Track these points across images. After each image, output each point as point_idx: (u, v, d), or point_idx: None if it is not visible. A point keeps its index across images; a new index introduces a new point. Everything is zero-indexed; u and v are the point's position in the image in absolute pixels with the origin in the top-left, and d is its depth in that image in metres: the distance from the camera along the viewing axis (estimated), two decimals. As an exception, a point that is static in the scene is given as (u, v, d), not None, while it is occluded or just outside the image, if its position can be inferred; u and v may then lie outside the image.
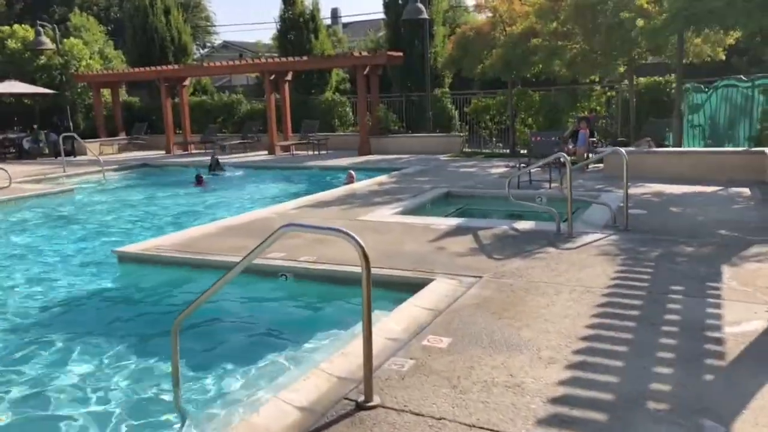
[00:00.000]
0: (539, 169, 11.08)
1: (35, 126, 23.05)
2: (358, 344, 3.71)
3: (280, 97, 20.39)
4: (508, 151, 17.27)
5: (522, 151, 16.38)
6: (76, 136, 19.15)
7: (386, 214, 8.92)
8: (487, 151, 17.91)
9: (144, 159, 19.58)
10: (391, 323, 4.62)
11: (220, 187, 14.35)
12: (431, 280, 5.57)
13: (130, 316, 6.17)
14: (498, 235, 7.32)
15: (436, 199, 10.54)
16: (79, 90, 24.52)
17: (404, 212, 9.18)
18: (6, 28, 24.46)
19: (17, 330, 5.83)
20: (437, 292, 5.28)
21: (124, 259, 7.35)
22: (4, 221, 11.08)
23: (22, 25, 24.64)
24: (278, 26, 23.68)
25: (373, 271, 5.79)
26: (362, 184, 12.15)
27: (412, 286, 5.53)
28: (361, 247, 3.36)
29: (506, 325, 4.51)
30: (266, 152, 19.88)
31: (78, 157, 20.00)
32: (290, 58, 20.48)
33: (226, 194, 13.46)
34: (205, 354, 4.99)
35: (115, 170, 17.34)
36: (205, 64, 23.79)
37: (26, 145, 21.48)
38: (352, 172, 13.39)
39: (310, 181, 14.79)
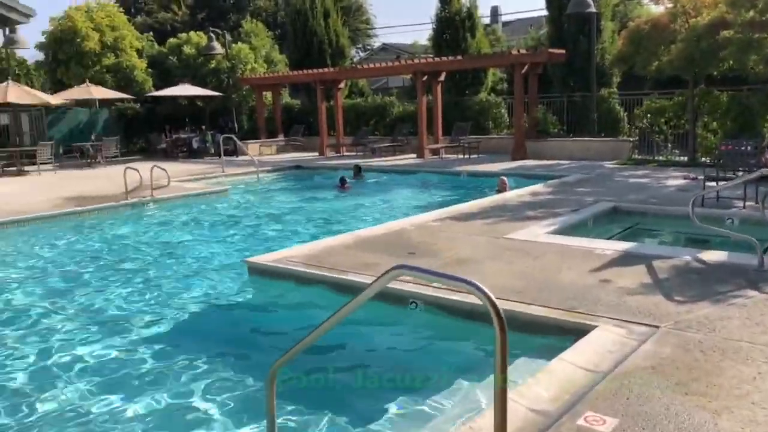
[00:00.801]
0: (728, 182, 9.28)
1: (203, 126, 24.52)
2: (490, 415, 2.82)
3: (432, 99, 19.75)
4: (686, 159, 15.16)
5: (704, 160, 14.25)
6: (233, 137, 19.90)
7: (539, 232, 7.82)
8: (661, 158, 15.89)
9: (298, 160, 19.90)
10: (538, 387, 3.65)
11: (364, 192, 14.00)
12: (592, 327, 4.48)
13: (247, 335, 5.76)
14: (679, 268, 5.97)
15: (600, 215, 9.18)
16: (244, 92, 25.71)
17: (561, 230, 8.01)
18: (183, 35, 26.29)
19: (132, 329, 5.66)
20: (599, 344, 4.20)
21: (254, 270, 7.01)
22: (157, 219, 11.49)
23: (197, 33, 26.32)
24: (434, 26, 23.08)
25: (519, 308, 4.81)
26: (514, 194, 11.07)
27: (566, 332, 4.51)
28: (493, 304, 2.47)
29: (696, 405, 3.35)
30: (415, 155, 19.33)
31: (239, 157, 20.82)
32: (443, 58, 19.75)
33: (368, 200, 13.04)
34: (302, 399, 4.27)
35: (269, 171, 17.71)
36: (358, 67, 23.82)
37: (195, 144, 22.85)
38: (505, 179, 12.34)
39: (457, 187, 13.94)
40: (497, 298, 2.46)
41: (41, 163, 18.55)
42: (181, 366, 4.92)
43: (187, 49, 25.31)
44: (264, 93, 24.73)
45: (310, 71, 22.44)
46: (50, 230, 10.39)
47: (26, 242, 9.71)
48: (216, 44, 24.01)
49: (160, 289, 7.17)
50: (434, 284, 5.61)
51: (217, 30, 25.64)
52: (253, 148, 22.36)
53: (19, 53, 25.24)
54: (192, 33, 26.25)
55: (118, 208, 11.95)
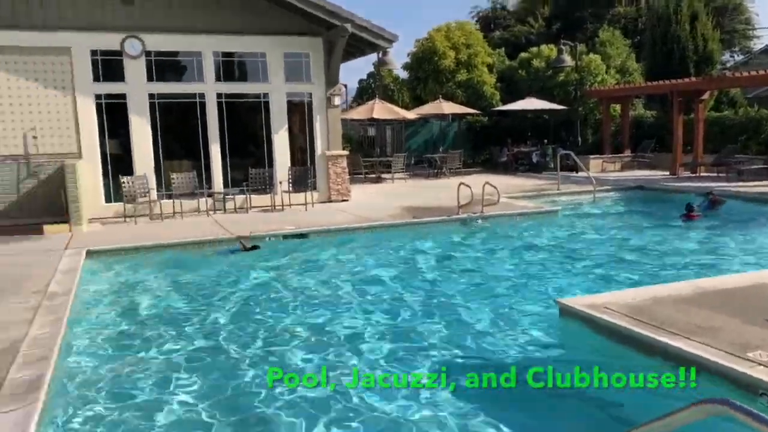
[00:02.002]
0: None
1: (545, 140, 24.14)
2: None
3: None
4: None
5: None
6: (571, 153, 19.01)
7: None
8: None
9: (642, 179, 18.09)
10: None
11: (718, 226, 11.75)
12: None
13: (555, 402, 5.02)
14: None
15: None
16: (590, 105, 24.56)
17: None
18: (534, 48, 26.31)
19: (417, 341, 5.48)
20: None
21: (566, 313, 6.31)
22: (479, 237, 11.44)
23: (548, 46, 26.05)
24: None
25: None
26: None
27: None
28: None
29: None
30: (797, 182, 15.80)
31: (578, 174, 19.89)
32: None
33: (723, 237, 10.79)
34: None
35: (608, 191, 16.43)
36: (728, 74, 20.56)
37: (535, 158, 22.62)
38: None
39: None
40: None
41: (395, 172, 20.51)
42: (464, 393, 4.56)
43: (536, 63, 25.24)
44: (611, 105, 23.22)
45: (665, 82, 20.21)
46: (387, 235, 11.26)
47: (367, 246, 10.63)
48: (566, 56, 23.38)
49: (454, 310, 7.04)
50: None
51: (569, 42, 24.98)
52: (595, 163, 21.17)
53: (395, 71, 28.37)
54: (543, 46, 26.09)
55: (449, 222, 12.34)
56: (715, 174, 18.37)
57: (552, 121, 25.32)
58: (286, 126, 14.69)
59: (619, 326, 5.50)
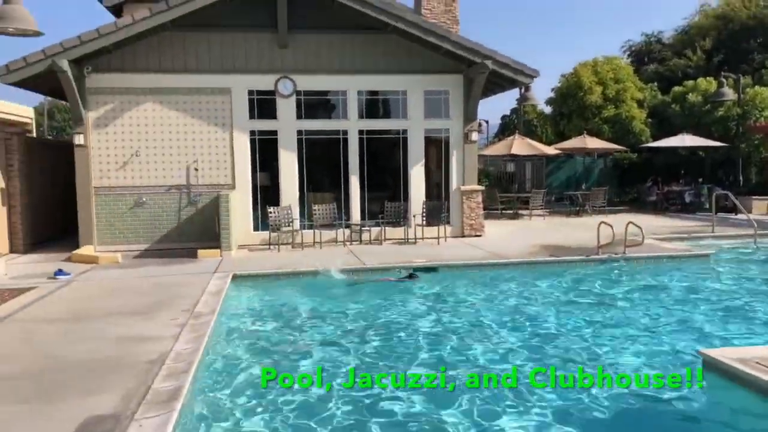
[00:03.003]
0: None
1: (700, 179, 22.41)
2: None
3: None
4: None
5: None
6: (729, 193, 17.44)
7: None
8: None
9: (817, 225, 16.16)
10: None
11: None
12: None
13: None
14: None
15: None
16: (755, 141, 22.48)
17: None
18: (690, 82, 24.67)
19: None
20: None
21: (710, 366, 5.77)
22: (619, 279, 10.81)
23: (706, 79, 24.34)
24: None
25: None
26: None
27: None
28: None
29: None
30: None
31: (737, 216, 18.21)
32: None
33: None
34: None
35: (772, 235, 14.86)
36: None
37: (688, 198, 21.06)
38: None
39: None
40: None
41: (533, 209, 20.04)
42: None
43: (692, 97, 23.63)
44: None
45: None
46: (521, 274, 11.02)
47: (497, 283, 10.45)
48: (727, 90, 21.66)
49: (580, 355, 6.68)
50: None
51: (731, 74, 23.18)
52: (758, 205, 19.31)
53: (539, 106, 27.95)
54: (700, 79, 24.41)
55: (588, 263, 11.80)
56: None
57: (708, 159, 23.50)
58: (423, 161, 14.96)
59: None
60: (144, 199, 13.62)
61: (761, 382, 5.06)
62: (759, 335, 7.35)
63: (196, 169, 13.80)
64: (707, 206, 20.50)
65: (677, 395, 5.72)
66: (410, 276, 10.76)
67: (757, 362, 5.45)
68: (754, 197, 19.66)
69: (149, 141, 13.65)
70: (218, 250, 12.63)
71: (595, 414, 5.33)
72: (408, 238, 14.39)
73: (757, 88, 22.73)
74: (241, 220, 13.82)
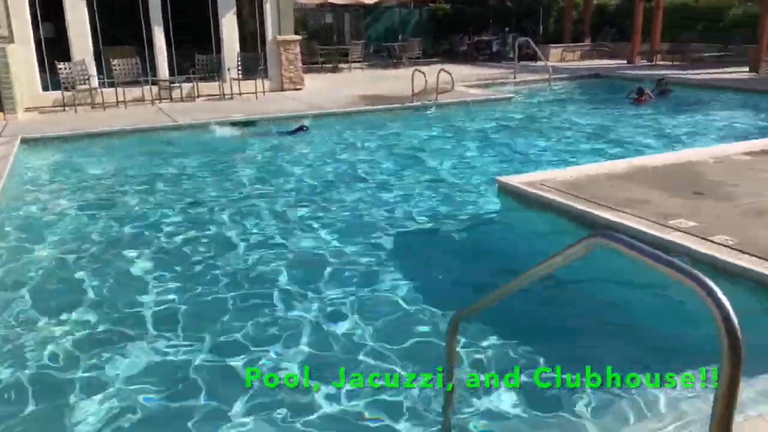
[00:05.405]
0: None
1: (507, 29, 23.58)
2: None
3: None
4: None
5: None
6: (529, 40, 18.64)
7: None
8: None
9: (599, 68, 17.99)
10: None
11: (665, 110, 12.01)
12: None
13: (473, 256, 5.33)
14: None
15: None
16: (556, -7, 23.90)
17: None
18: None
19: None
20: None
21: (504, 191, 6.40)
22: (427, 125, 11.39)
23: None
24: None
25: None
26: None
27: None
28: (727, 318, 1.54)
29: None
30: (747, 69, 15.87)
31: (537, 63, 19.63)
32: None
33: (668, 120, 11.14)
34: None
35: (563, 79, 16.33)
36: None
37: (495, 47, 22.18)
38: None
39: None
40: None
41: (352, 61, 19.93)
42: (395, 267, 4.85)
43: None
44: (575, -7, 22.66)
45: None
46: (343, 124, 11.15)
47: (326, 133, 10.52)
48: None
49: (403, 193, 7.17)
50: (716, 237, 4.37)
51: None
52: (555, 53, 20.88)
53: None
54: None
55: (403, 111, 12.18)
56: (671, 63, 18.37)
57: (515, 10, 24.64)
58: (235, 9, 13.96)
59: (549, 199, 5.62)
60: None
61: (543, 200, 5.74)
62: (549, 159, 8.27)
63: (-40, 19, 11.70)
64: (512, 55, 21.83)
65: (476, 213, 6.41)
66: (300, 128, 10.42)
67: (541, 184, 6.13)
68: (551, 45, 21.20)
69: None
70: (0, 113, 11.13)
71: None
72: (224, 94, 13.70)
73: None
74: (25, 79, 12.16)
